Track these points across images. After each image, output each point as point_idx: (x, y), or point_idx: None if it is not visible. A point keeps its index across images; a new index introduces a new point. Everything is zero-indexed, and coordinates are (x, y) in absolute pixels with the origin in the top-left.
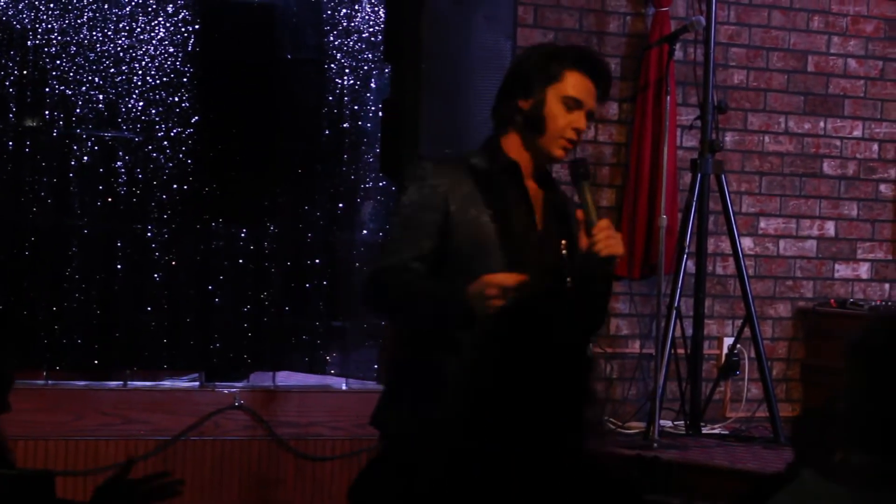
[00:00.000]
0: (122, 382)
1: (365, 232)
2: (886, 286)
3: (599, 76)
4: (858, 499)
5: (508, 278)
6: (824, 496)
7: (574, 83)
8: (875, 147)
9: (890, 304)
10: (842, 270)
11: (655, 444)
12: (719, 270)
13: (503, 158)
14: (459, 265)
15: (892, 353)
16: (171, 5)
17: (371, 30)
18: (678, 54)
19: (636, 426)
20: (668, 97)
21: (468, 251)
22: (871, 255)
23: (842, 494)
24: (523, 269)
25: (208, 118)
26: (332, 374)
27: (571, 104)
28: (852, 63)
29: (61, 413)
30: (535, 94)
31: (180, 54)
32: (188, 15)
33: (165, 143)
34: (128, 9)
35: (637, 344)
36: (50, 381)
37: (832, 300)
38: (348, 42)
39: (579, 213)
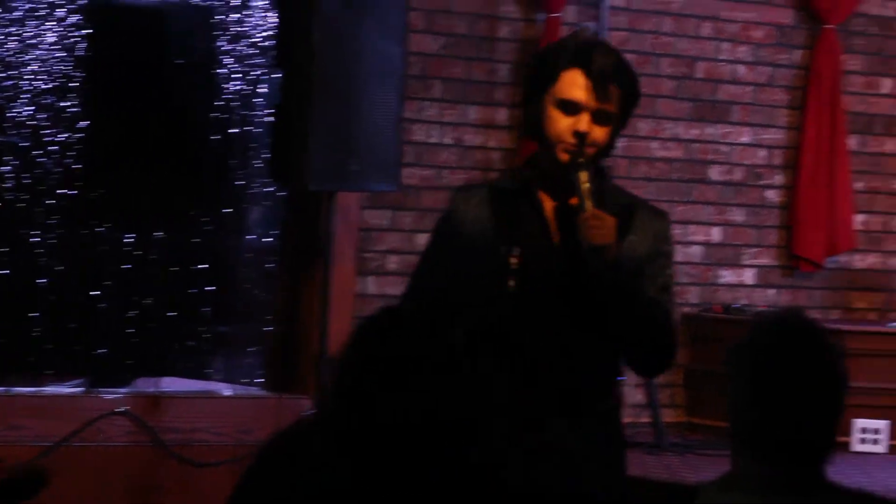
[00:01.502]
0: (4, 388)
1: (252, 237)
2: (772, 292)
3: (600, 71)
4: None
5: None
6: None
7: (570, 83)
8: (762, 153)
9: (775, 309)
10: (727, 276)
11: None
12: None
13: (516, 174)
14: (471, 286)
15: (776, 359)
16: (61, 10)
17: (261, 35)
18: None
19: None
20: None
21: (479, 274)
22: (756, 261)
23: None
24: (536, 285)
25: (97, 123)
26: (216, 380)
27: (568, 107)
28: (741, 69)
29: None
30: (535, 100)
31: (70, 59)
32: (79, 19)
33: (53, 148)
34: (18, 14)
35: None
36: None
37: (717, 306)
38: (238, 47)
39: (573, 201)
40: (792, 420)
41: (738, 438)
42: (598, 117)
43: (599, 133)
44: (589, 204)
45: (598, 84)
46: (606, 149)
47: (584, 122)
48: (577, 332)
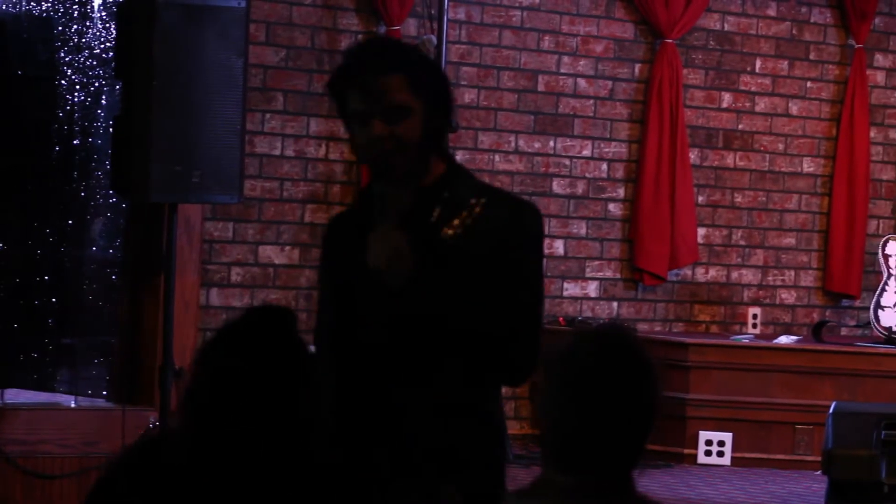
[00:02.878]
0: None
1: (95, 249)
2: (615, 304)
3: (364, 68)
4: None
5: None
6: None
7: (352, 97)
8: (604, 166)
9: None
10: (571, 289)
11: None
12: None
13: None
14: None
15: (593, 373)
16: None
17: (102, 46)
18: None
19: None
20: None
21: (342, 295)
22: (599, 274)
23: None
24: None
25: None
26: (61, 392)
27: (358, 119)
28: (582, 83)
29: None
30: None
31: None
32: None
33: None
34: None
35: None
36: None
37: (561, 318)
38: (79, 58)
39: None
40: (603, 434)
41: (547, 447)
42: (389, 115)
43: (402, 129)
44: (382, 223)
45: (368, 85)
46: (427, 137)
47: (374, 127)
48: (410, 355)
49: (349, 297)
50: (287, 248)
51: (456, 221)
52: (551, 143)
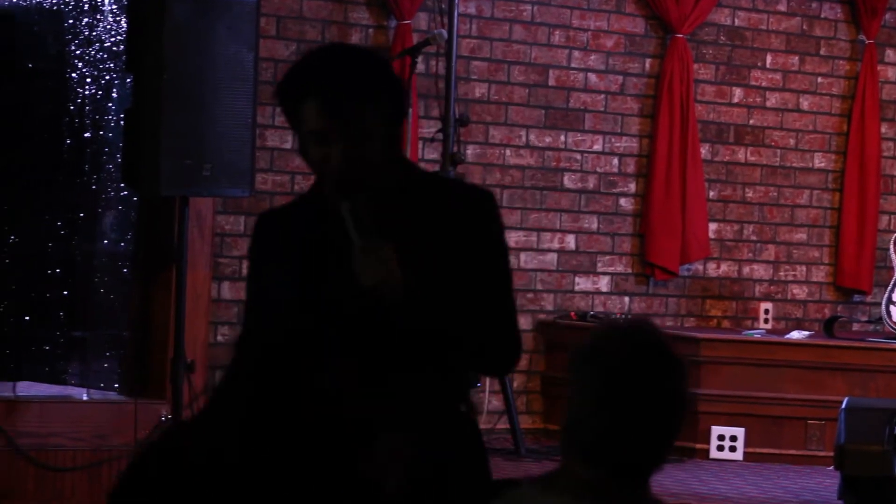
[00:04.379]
0: None
1: (106, 242)
2: (626, 299)
3: (329, 86)
4: None
5: None
6: None
7: (310, 114)
8: (615, 161)
9: (628, 316)
10: (582, 283)
11: None
12: None
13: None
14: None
15: (625, 368)
16: None
17: (113, 39)
18: (420, 67)
19: None
20: (410, 110)
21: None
22: (610, 269)
23: None
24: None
25: None
26: (72, 385)
27: (315, 137)
28: (593, 77)
29: None
30: (295, 130)
31: None
32: None
33: None
34: None
35: None
36: None
37: (572, 313)
38: (90, 51)
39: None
40: (636, 431)
41: (573, 442)
42: (353, 139)
43: (366, 150)
44: (359, 238)
45: (332, 106)
46: (387, 148)
47: (336, 150)
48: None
49: (311, 301)
50: None
51: (425, 223)
52: (562, 138)
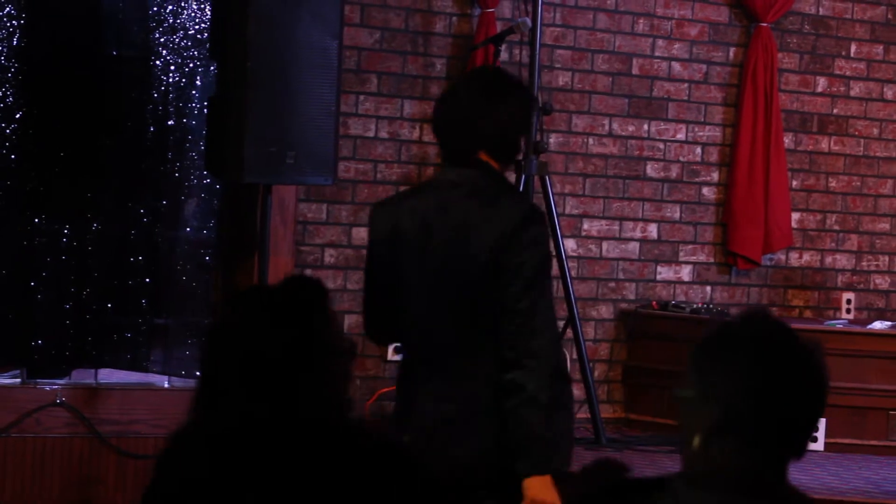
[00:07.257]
0: None
1: (188, 229)
2: (708, 288)
3: None
4: None
5: None
6: None
7: None
8: (698, 150)
9: (711, 306)
10: (664, 272)
11: None
12: None
13: None
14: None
15: (772, 349)
16: None
17: (197, 27)
18: (504, 55)
19: None
20: None
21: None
22: (693, 258)
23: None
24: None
25: (32, 114)
26: (154, 372)
27: None
28: (676, 66)
29: None
30: None
31: (4, 49)
32: (12, 10)
33: None
34: None
35: None
36: None
37: (654, 302)
38: (174, 39)
39: None
40: (787, 409)
41: (734, 433)
42: None
43: None
44: None
45: None
46: None
47: None
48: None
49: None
50: None
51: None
52: (645, 127)
